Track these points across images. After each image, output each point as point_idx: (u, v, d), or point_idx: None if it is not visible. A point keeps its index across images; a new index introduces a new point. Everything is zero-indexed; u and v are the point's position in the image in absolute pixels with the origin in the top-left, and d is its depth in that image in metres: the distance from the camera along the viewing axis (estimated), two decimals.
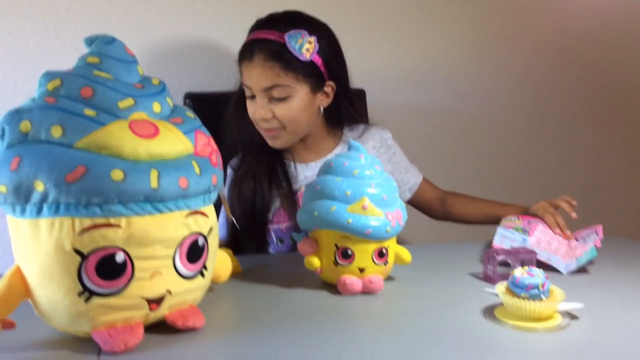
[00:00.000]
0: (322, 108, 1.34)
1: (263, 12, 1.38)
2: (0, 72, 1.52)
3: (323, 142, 1.41)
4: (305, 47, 1.23)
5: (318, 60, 1.27)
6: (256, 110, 1.28)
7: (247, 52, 1.27)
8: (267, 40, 1.25)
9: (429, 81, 1.85)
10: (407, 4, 1.80)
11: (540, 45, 1.96)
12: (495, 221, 1.33)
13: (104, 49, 0.80)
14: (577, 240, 1.18)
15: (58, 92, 0.75)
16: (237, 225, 1.21)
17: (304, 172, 1.38)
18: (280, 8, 1.36)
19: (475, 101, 1.91)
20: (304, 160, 1.40)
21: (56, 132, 0.71)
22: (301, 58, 1.23)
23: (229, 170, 1.41)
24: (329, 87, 1.32)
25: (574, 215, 1.30)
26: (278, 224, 1.35)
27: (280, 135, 1.31)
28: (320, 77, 1.29)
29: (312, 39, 1.25)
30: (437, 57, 1.85)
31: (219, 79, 1.66)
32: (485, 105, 1.92)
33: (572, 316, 0.86)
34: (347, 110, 1.39)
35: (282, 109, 1.27)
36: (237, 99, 1.37)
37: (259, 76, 1.25)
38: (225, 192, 1.14)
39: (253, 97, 1.29)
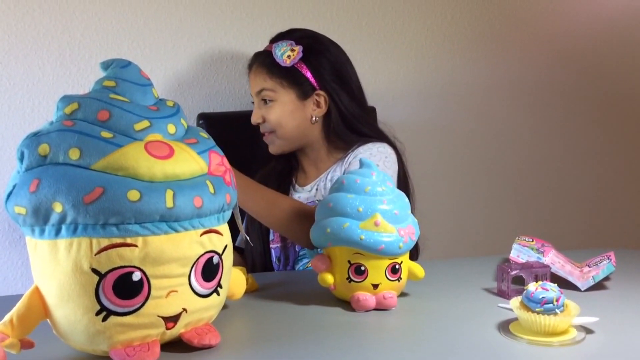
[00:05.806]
0: (315, 118, 1.36)
1: (274, 33, 1.41)
2: (18, 95, 1.54)
3: (325, 157, 1.41)
4: (287, 54, 1.32)
5: (303, 68, 1.33)
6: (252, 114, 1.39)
7: (250, 64, 1.40)
8: (263, 51, 1.38)
9: (440, 97, 1.86)
10: (417, 21, 1.81)
11: (560, 62, 1.94)
12: None
13: (119, 72, 0.82)
14: (589, 266, 1.17)
15: (75, 115, 0.76)
16: (250, 243, 1.23)
17: (298, 194, 1.40)
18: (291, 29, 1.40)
19: (487, 117, 1.91)
20: (303, 183, 1.42)
21: (74, 155, 0.72)
22: (281, 64, 1.32)
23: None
24: (321, 98, 1.35)
25: None
26: (277, 244, 1.38)
27: (273, 140, 1.38)
28: (309, 86, 1.34)
29: (297, 47, 1.33)
30: (447, 74, 1.85)
31: (231, 100, 1.68)
32: (495, 121, 1.92)
33: (587, 330, 0.86)
34: (339, 126, 1.37)
35: (269, 113, 1.35)
36: None
37: (252, 82, 1.38)
38: (239, 210, 1.16)
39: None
